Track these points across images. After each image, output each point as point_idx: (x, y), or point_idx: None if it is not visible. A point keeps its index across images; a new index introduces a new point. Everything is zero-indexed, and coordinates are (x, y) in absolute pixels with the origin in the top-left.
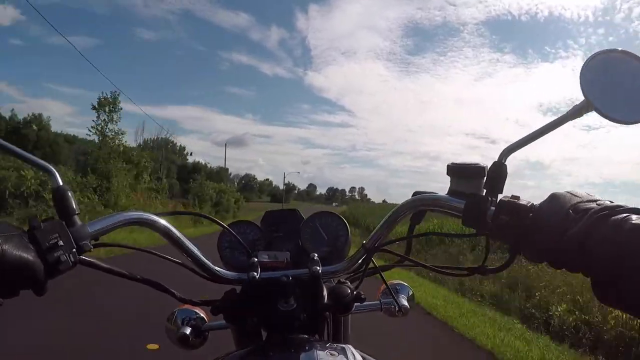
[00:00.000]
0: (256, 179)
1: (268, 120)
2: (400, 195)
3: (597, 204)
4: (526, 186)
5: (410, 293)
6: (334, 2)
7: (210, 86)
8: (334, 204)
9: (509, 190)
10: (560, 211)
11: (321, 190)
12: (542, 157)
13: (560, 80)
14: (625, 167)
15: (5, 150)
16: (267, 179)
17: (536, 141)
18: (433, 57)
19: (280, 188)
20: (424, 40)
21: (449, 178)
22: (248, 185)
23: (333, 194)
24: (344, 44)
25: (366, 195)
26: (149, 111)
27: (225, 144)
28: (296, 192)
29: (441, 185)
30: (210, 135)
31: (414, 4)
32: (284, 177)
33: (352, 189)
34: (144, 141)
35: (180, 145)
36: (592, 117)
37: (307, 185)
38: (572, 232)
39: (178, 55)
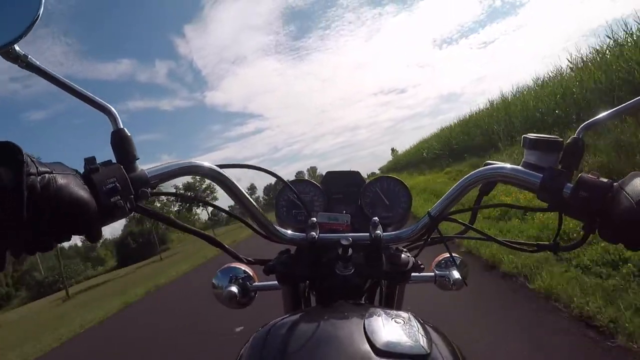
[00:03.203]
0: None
1: (185, 155)
2: None
3: None
4: (448, 119)
5: (465, 267)
6: (207, 16)
7: None
8: None
9: (420, 124)
10: (637, 193)
11: (259, 193)
12: (452, 87)
13: (444, 10)
14: (531, 66)
15: (66, 88)
16: None
17: (443, 74)
18: (319, 33)
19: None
20: (304, 21)
21: (379, 141)
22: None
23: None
24: (230, 53)
25: (321, 175)
26: None
27: None
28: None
29: (372, 150)
30: None
31: None
32: None
33: (299, 174)
34: None
35: None
36: (484, 32)
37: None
38: None
39: (76, 124)
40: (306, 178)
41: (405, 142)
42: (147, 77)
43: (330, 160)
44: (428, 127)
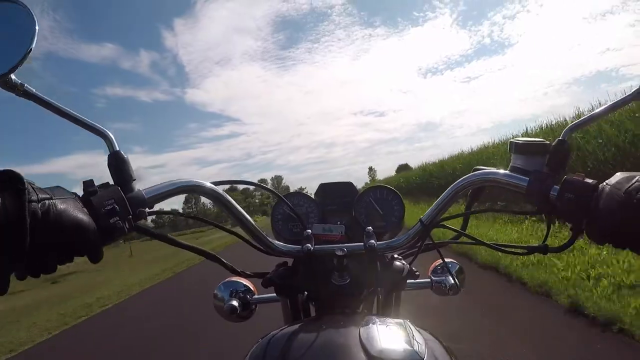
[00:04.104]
0: None
1: (158, 149)
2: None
3: None
4: (423, 147)
5: (461, 272)
6: (199, 12)
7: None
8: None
9: (396, 149)
10: (622, 193)
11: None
12: (432, 117)
13: (433, 40)
14: (512, 106)
15: (63, 115)
16: None
17: (424, 103)
18: (307, 46)
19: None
20: (295, 31)
21: (353, 161)
22: None
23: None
24: (216, 53)
25: (288, 187)
26: (33, 170)
27: None
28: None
29: (345, 169)
30: (101, 179)
31: None
32: None
33: (262, 180)
34: None
35: None
36: (469, 67)
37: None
38: (631, 215)
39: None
40: (270, 187)
41: (379, 165)
42: (130, 65)
43: (303, 174)
44: (403, 153)
